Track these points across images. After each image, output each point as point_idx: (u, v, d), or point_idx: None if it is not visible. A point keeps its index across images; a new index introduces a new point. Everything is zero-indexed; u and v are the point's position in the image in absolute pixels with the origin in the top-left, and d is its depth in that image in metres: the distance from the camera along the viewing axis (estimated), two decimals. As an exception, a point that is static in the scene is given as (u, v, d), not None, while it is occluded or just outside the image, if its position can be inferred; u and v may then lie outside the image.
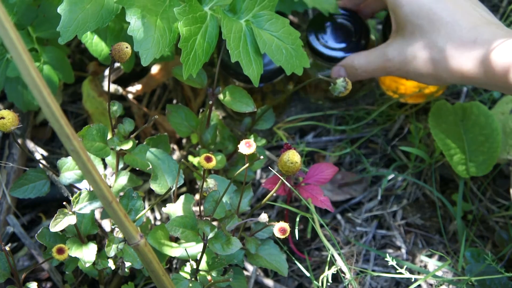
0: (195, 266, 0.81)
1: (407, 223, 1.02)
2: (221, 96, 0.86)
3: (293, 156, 0.69)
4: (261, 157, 0.76)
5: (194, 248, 0.83)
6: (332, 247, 0.85)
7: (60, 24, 0.76)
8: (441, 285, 0.91)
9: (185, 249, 0.82)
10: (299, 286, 0.97)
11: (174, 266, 0.95)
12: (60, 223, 0.75)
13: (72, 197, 0.78)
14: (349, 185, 1.05)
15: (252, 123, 0.93)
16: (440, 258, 0.97)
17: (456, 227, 0.98)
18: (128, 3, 0.75)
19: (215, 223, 0.79)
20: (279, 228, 0.73)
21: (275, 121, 0.95)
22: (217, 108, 1.09)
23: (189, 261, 0.83)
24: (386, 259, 0.85)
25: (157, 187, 0.81)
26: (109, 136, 0.84)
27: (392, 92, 1.05)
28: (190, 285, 0.79)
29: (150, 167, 0.81)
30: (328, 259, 0.89)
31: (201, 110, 0.92)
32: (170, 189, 0.79)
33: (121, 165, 0.91)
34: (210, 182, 0.79)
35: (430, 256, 0.97)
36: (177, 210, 0.83)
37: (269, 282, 0.95)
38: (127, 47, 0.75)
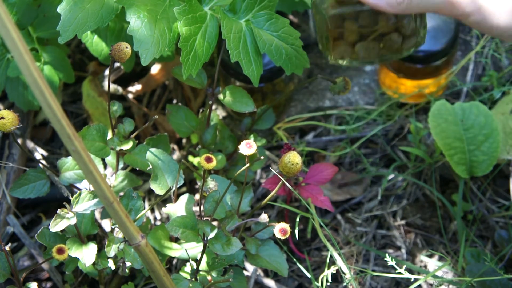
0: (195, 266, 0.81)
1: (407, 223, 1.02)
2: (221, 96, 0.86)
3: (294, 158, 0.69)
4: (261, 157, 0.76)
5: (194, 248, 0.83)
6: (332, 247, 0.85)
7: (60, 23, 0.76)
8: (441, 285, 0.91)
9: (185, 250, 0.82)
10: (299, 286, 0.97)
11: (174, 266, 0.95)
12: (60, 223, 0.75)
13: (72, 197, 0.78)
14: (349, 185, 1.04)
15: (252, 123, 0.93)
16: (440, 258, 0.97)
17: (456, 227, 0.98)
18: (128, 3, 0.75)
19: (215, 223, 0.79)
20: (280, 229, 0.73)
21: (275, 121, 0.95)
22: (217, 108, 1.09)
23: (189, 261, 0.83)
24: (386, 259, 0.85)
25: (157, 187, 0.80)
26: (109, 136, 0.84)
27: (392, 92, 1.05)
28: (190, 285, 0.79)
29: (150, 167, 0.81)
30: (328, 259, 0.89)
31: (201, 110, 0.92)
32: (170, 189, 0.79)
33: (121, 165, 0.91)
34: (210, 182, 0.79)
35: (430, 256, 0.97)
36: (177, 210, 0.83)
37: (269, 282, 0.95)
38: (127, 47, 0.75)
